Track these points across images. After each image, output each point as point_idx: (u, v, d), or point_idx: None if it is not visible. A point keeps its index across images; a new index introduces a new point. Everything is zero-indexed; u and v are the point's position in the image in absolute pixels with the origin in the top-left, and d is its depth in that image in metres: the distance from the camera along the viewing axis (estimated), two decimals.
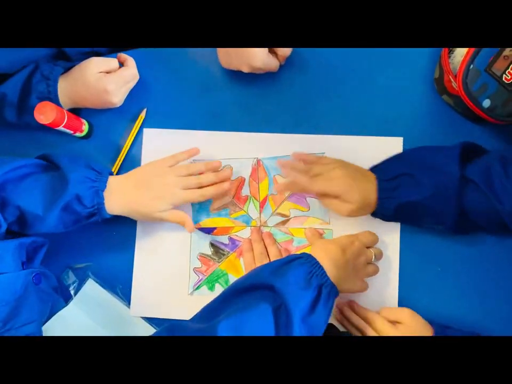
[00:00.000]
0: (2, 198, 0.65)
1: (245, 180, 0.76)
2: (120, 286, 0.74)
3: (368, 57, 0.76)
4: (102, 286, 0.74)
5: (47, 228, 0.67)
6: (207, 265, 0.74)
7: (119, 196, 0.69)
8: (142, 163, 0.76)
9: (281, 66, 0.75)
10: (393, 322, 0.65)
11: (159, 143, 0.77)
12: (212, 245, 0.75)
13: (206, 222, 0.75)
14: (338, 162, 0.69)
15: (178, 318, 0.72)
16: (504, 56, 0.62)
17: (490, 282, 0.70)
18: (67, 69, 0.73)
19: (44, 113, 0.68)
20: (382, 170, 0.68)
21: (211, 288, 0.74)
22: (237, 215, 0.75)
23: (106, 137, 0.78)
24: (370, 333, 0.65)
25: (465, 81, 0.64)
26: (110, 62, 0.72)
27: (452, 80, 0.67)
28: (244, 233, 0.75)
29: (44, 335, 0.67)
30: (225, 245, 0.75)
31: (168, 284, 0.74)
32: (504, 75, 0.63)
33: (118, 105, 0.75)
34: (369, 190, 0.66)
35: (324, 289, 0.59)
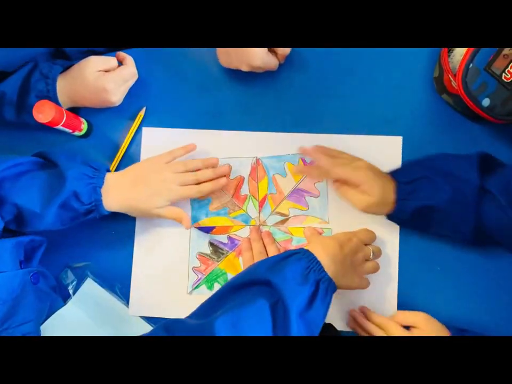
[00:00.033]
0: None
1: (244, 179, 0.75)
2: (119, 285, 0.74)
3: (368, 56, 0.75)
4: (101, 285, 0.74)
5: (45, 225, 0.66)
6: (206, 265, 0.74)
7: (117, 192, 0.69)
8: None
9: (280, 65, 0.75)
10: (409, 327, 0.64)
11: (158, 142, 0.76)
12: (211, 244, 0.75)
13: (205, 221, 0.75)
14: (360, 158, 0.70)
15: (177, 318, 0.72)
16: (504, 55, 0.62)
17: (490, 281, 0.70)
18: (66, 68, 0.73)
19: (43, 112, 0.68)
20: (401, 173, 0.68)
21: (210, 288, 0.74)
22: (236, 214, 0.75)
23: (105, 136, 0.77)
24: None
25: (464, 80, 0.63)
26: (109, 61, 0.72)
27: (452, 79, 0.67)
28: (243, 232, 0.75)
29: (42, 334, 0.67)
30: (224, 244, 0.75)
31: (167, 283, 0.74)
32: (503, 74, 0.63)
33: (117, 104, 0.75)
34: (389, 189, 0.66)
35: (322, 285, 0.59)
